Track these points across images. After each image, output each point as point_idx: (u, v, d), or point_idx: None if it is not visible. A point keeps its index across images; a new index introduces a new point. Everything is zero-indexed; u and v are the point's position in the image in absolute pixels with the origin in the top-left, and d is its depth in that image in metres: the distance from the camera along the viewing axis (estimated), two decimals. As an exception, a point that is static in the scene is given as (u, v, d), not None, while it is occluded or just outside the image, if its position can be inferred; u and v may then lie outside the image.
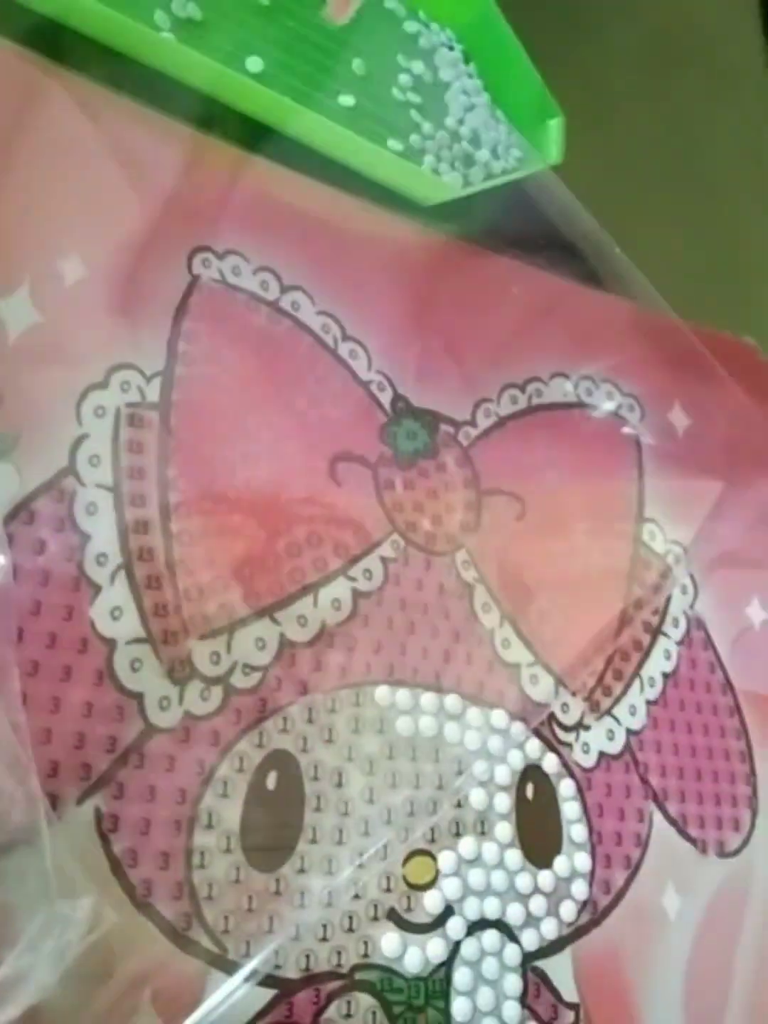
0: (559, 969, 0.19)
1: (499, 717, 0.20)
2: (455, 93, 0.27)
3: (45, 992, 0.14)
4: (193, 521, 0.18)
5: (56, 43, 0.20)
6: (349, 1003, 0.17)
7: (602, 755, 0.21)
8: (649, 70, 0.33)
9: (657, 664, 0.23)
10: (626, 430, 0.25)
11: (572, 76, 0.28)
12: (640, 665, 0.22)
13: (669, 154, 0.32)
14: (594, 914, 0.20)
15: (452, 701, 0.19)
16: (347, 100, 0.24)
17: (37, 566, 0.16)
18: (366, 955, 0.17)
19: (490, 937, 0.18)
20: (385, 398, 0.21)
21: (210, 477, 0.18)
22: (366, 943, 0.17)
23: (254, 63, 0.23)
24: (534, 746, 0.20)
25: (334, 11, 0.22)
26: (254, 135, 0.22)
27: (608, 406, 0.25)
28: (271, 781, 0.17)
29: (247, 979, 0.16)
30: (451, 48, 0.27)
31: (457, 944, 0.18)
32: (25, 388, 0.17)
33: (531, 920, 0.19)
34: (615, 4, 0.33)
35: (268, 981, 0.16)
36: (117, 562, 0.17)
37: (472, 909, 0.18)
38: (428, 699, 0.19)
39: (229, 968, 0.16)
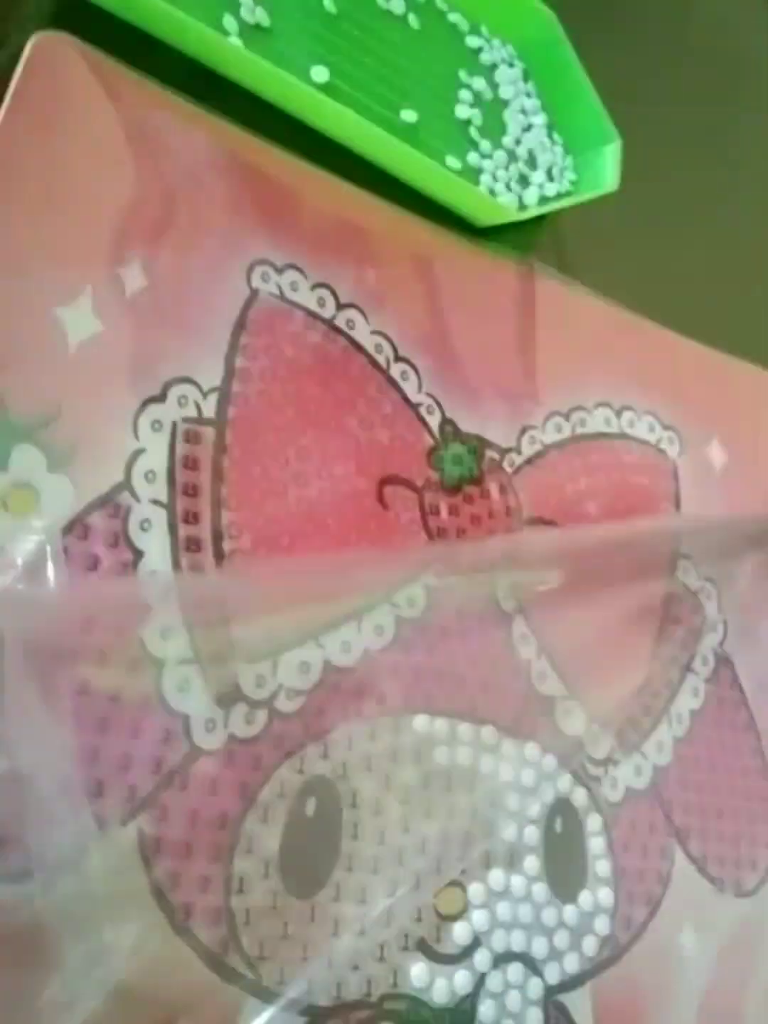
0: (578, 1003, 0.19)
1: (532, 750, 0.20)
2: (513, 112, 0.26)
3: (89, 1017, 0.14)
4: (244, 540, 0.18)
5: (128, 48, 0.19)
6: (377, 1033, 0.17)
7: (629, 790, 0.21)
8: (698, 97, 0.32)
9: (685, 701, 0.23)
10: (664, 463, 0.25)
11: (631, 105, 0.28)
12: (669, 701, 0.22)
13: (722, 187, 0.31)
14: (615, 950, 0.20)
15: (488, 732, 0.20)
16: (409, 115, 0.24)
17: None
18: (395, 984, 0.17)
19: (515, 970, 0.18)
20: (434, 421, 0.21)
21: (262, 496, 0.18)
22: (396, 973, 0.17)
23: (319, 73, 0.22)
24: (565, 780, 0.20)
25: None
26: (317, 147, 0.22)
27: (649, 438, 0.25)
28: (310, 807, 0.17)
29: (281, 1007, 0.16)
30: (512, 64, 0.27)
31: (483, 976, 0.18)
32: (84, 400, 0.17)
33: (554, 954, 0.19)
34: (668, 30, 0.32)
35: (301, 1009, 0.16)
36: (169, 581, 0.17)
37: (499, 941, 0.18)
38: (465, 729, 0.19)
39: (263, 995, 0.16)
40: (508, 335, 0.23)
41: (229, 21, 0.21)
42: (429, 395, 0.21)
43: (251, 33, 0.22)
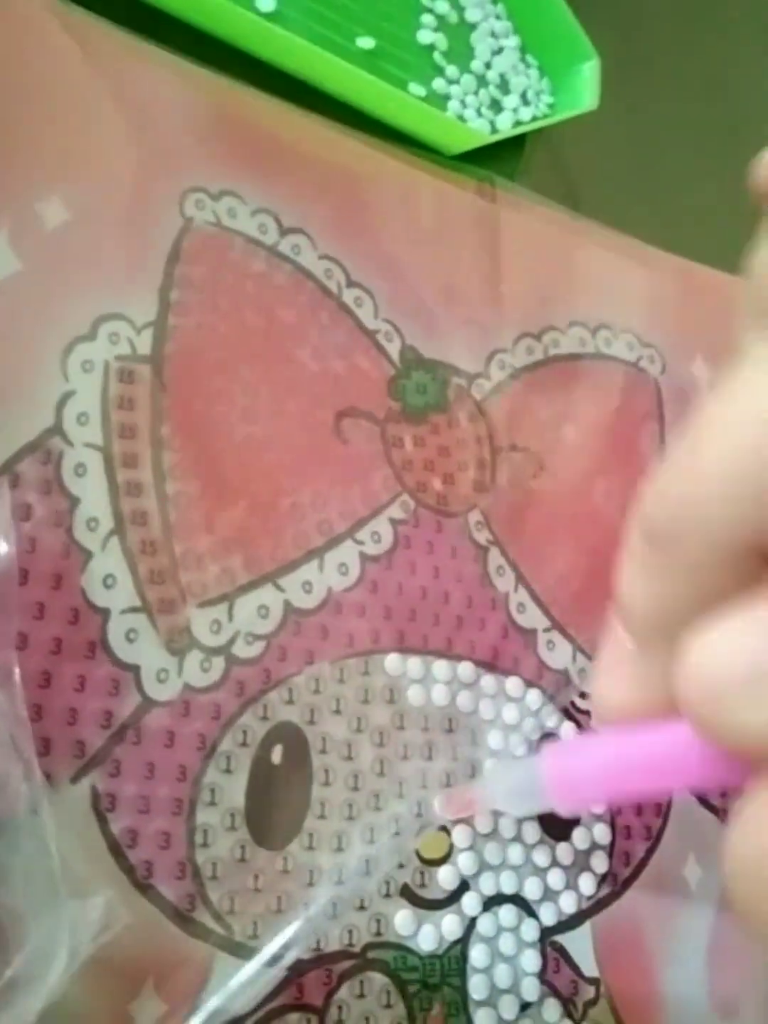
0: (579, 943, 0.18)
1: (514, 684, 0.19)
2: (482, 35, 0.25)
3: (56, 994, 0.13)
4: (190, 483, 0.17)
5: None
6: (362, 983, 0.16)
7: (622, 723, 0.20)
8: (684, 19, 0.31)
9: (679, 628, 0.22)
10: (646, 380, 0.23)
11: (607, 25, 0.26)
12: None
13: (703, 104, 0.30)
14: (614, 886, 0.19)
15: (465, 668, 0.19)
16: (366, 42, 0.22)
17: (23, 533, 0.15)
18: (379, 933, 0.16)
19: (507, 912, 0.18)
20: (393, 349, 0.20)
21: (207, 435, 0.17)
22: (379, 921, 0.17)
23: (265, 3, 0.21)
24: (551, 715, 0.19)
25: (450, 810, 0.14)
26: (260, 71, 0.21)
27: (628, 356, 0.23)
28: (277, 755, 0.16)
29: (255, 961, 0.15)
30: None
31: (473, 920, 0.17)
32: (6, 342, 0.16)
33: (549, 894, 0.18)
34: None
35: (278, 962, 0.15)
36: (109, 527, 0.16)
37: (488, 884, 0.18)
38: (440, 667, 0.18)
39: (236, 950, 0.15)
40: (471, 257, 0.22)
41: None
42: (387, 321, 0.20)
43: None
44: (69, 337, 0.16)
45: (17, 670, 0.14)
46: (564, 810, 0.16)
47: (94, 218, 0.17)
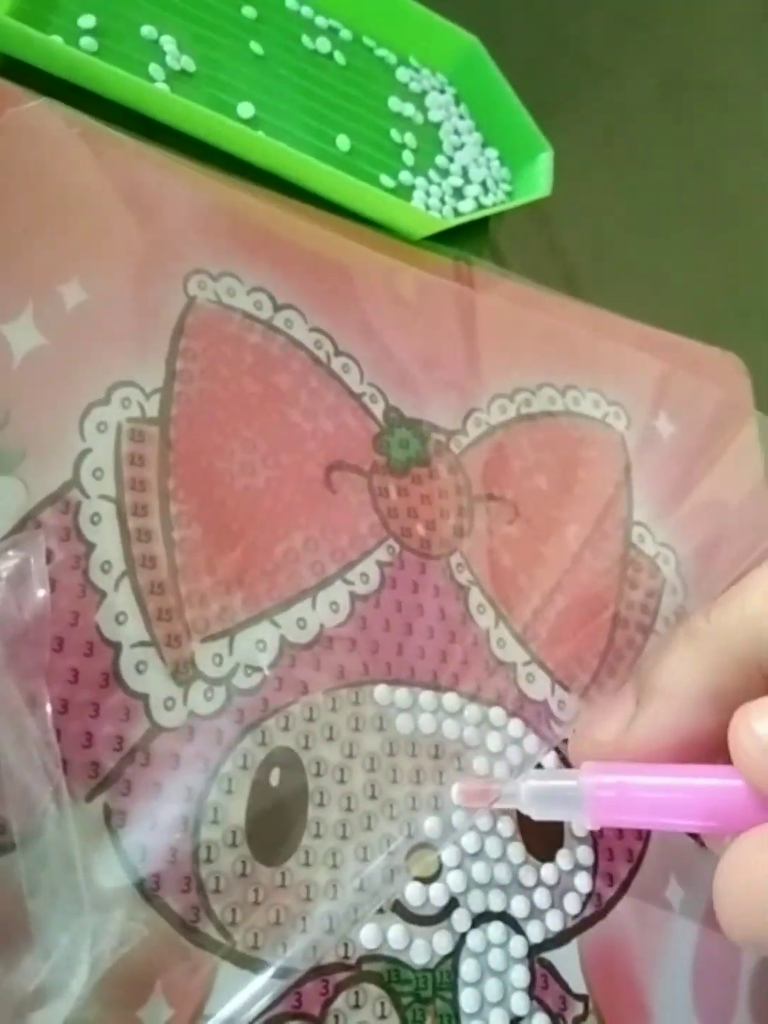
0: (566, 961, 0.19)
1: (497, 714, 0.20)
2: (446, 132, 0.28)
3: (79, 1002, 0.14)
4: (194, 529, 0.19)
5: (62, 89, 0.21)
6: (357, 994, 0.17)
7: (601, 750, 0.21)
8: (663, 106, 0.34)
9: (652, 661, 0.23)
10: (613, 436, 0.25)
11: (588, 114, 0.30)
12: (634, 662, 0.23)
13: (683, 186, 0.33)
14: (599, 906, 0.20)
15: (450, 699, 0.20)
16: (343, 142, 0.25)
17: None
18: (373, 947, 0.17)
19: (495, 929, 0.19)
20: (378, 409, 0.22)
21: (209, 487, 0.19)
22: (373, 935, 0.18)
23: (245, 109, 0.24)
24: (532, 742, 0.21)
25: (464, 800, 0.19)
26: (251, 169, 0.23)
27: (595, 413, 0.25)
28: (274, 778, 0.18)
29: (256, 970, 0.16)
30: (442, 91, 0.29)
31: (463, 936, 0.18)
32: (31, 407, 0.18)
33: (536, 912, 0.19)
34: (630, 45, 0.34)
35: (277, 972, 0.16)
36: (121, 569, 0.18)
37: (476, 901, 0.19)
38: (426, 697, 0.20)
39: (238, 959, 0.16)
40: (448, 326, 0.24)
41: (155, 69, 0.23)
42: (372, 385, 0.22)
43: (177, 78, 0.23)
44: (86, 402, 0.19)
45: (48, 700, 0.16)
46: (591, 825, 0.18)
47: (108, 298, 0.20)
